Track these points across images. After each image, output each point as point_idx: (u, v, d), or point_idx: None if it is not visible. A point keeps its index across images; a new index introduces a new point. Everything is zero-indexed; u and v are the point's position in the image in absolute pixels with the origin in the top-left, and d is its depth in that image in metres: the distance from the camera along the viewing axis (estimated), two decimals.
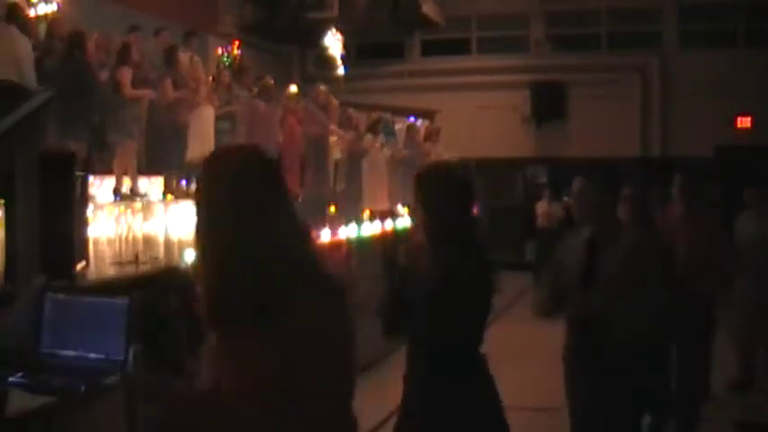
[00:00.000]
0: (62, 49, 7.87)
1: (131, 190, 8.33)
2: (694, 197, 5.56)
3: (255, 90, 9.29)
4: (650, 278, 3.41)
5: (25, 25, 7.81)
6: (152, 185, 8.93)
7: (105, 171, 8.26)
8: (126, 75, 8.19)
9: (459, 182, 2.98)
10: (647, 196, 4.90)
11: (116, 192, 8.15)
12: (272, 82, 8.91)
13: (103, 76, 8.25)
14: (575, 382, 3.64)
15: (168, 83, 8.44)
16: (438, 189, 2.91)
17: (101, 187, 8.15)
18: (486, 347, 2.98)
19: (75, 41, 7.86)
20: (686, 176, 5.61)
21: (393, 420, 3.06)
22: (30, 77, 7.06)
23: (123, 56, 8.29)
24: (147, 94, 8.55)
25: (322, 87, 10.40)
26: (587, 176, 3.56)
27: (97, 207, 7.36)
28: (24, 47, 7.16)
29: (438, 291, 2.78)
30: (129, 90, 8.20)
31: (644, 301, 3.38)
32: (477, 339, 2.91)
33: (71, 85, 7.50)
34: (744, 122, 15.82)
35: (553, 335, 3.94)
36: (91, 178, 6.94)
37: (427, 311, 2.78)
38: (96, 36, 8.47)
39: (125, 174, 8.29)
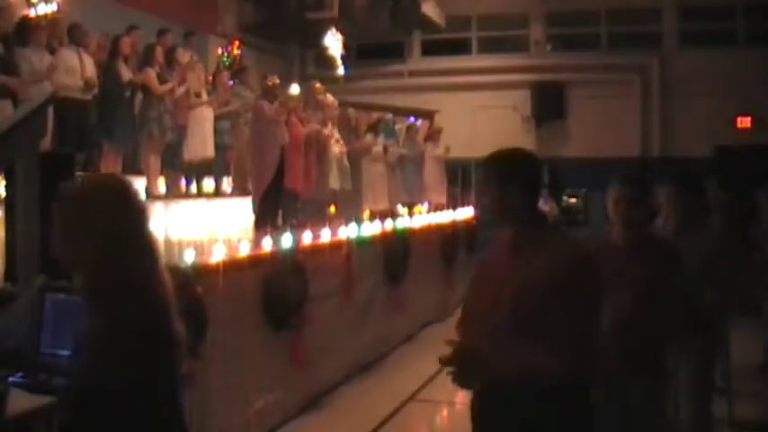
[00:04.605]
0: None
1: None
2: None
3: (259, 90, 9.25)
4: None
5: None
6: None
7: (135, 172, 8.40)
8: (151, 75, 8.44)
9: None
10: None
11: (147, 192, 8.22)
12: (277, 81, 8.86)
13: (136, 78, 8.48)
14: None
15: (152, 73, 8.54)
16: None
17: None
18: None
19: (113, 50, 8.30)
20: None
21: (401, 411, 2.84)
22: None
23: (148, 57, 8.58)
24: (173, 86, 8.63)
25: (317, 85, 10.35)
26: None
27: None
28: None
29: None
30: (158, 87, 8.44)
31: None
32: None
33: (107, 95, 8.07)
34: (744, 122, 15.81)
35: None
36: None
37: None
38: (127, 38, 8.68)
39: (153, 173, 8.47)
